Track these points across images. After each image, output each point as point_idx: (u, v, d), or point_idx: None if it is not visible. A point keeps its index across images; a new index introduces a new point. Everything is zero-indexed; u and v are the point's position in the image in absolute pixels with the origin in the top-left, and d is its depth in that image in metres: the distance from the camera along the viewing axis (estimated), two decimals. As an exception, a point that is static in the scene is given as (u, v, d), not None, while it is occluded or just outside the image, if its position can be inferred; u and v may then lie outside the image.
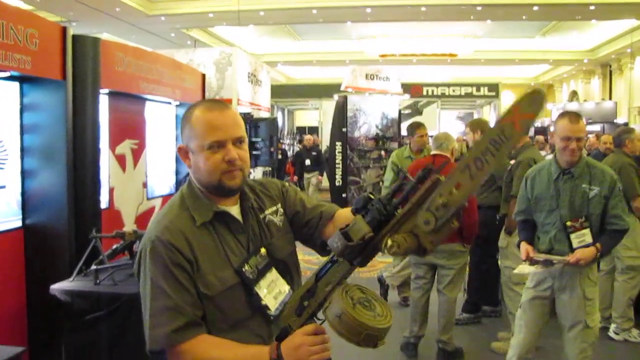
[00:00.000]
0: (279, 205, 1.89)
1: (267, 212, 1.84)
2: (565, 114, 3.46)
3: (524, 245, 3.68)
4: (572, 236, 3.41)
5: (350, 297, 1.50)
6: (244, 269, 1.69)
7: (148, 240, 1.67)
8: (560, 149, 3.41)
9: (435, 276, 4.84)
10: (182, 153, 1.75)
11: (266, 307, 1.70)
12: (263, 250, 1.76)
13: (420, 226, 1.42)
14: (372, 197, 1.52)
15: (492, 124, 8.28)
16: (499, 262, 5.16)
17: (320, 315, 1.57)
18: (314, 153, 13.89)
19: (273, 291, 1.73)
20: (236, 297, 1.68)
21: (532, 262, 3.54)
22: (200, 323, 1.64)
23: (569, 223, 3.41)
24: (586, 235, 3.39)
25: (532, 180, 3.64)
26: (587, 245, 3.37)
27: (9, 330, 4.12)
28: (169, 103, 6.25)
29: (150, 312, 1.62)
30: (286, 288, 1.78)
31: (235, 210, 1.76)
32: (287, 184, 2.01)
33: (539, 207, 3.58)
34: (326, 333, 1.57)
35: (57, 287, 3.78)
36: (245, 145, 1.74)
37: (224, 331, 1.66)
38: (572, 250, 3.40)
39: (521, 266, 3.66)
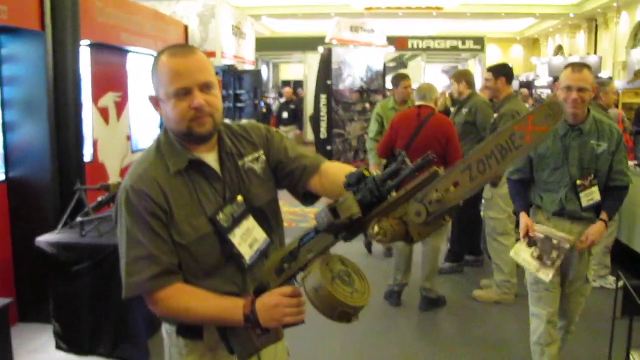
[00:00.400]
0: (262, 152, 1.83)
1: (246, 159, 1.79)
2: (569, 65, 3.31)
3: (523, 218, 3.42)
4: (582, 195, 3.27)
5: (330, 269, 1.49)
6: (218, 217, 1.66)
7: (123, 189, 1.65)
8: (563, 101, 3.23)
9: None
10: (154, 102, 1.70)
11: (240, 256, 1.69)
12: (240, 198, 1.72)
13: (410, 216, 1.38)
14: (366, 174, 1.46)
15: (476, 77, 8.20)
16: (482, 213, 5.23)
17: (299, 279, 1.55)
18: (292, 106, 13.65)
19: (248, 240, 1.71)
20: (210, 246, 1.66)
21: (530, 242, 3.36)
22: (176, 271, 1.64)
23: (579, 182, 3.26)
24: (595, 193, 3.27)
25: None
26: (596, 204, 3.26)
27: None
28: (152, 55, 6.17)
29: (126, 260, 1.63)
30: (263, 237, 1.76)
31: (211, 158, 1.73)
32: (272, 129, 1.93)
33: (542, 165, 3.35)
34: (303, 297, 1.56)
35: (42, 240, 3.78)
36: (215, 91, 1.67)
37: (199, 279, 1.66)
38: (582, 209, 3.27)
39: (518, 248, 3.45)
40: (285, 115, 13.24)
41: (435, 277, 4.85)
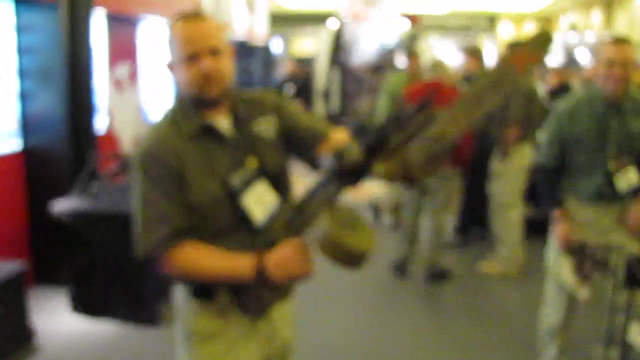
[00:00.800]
0: (273, 118, 1.86)
1: (259, 124, 1.83)
2: (611, 39, 3.05)
3: (561, 221, 3.07)
4: (619, 177, 3.02)
5: (336, 218, 1.54)
6: (230, 180, 1.71)
7: (137, 152, 1.72)
8: (604, 78, 2.98)
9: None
10: (170, 69, 1.77)
11: (251, 219, 1.73)
12: (252, 162, 1.77)
13: (411, 157, 1.44)
14: (368, 124, 1.53)
15: (489, 55, 8.25)
16: (488, 186, 5.23)
17: (309, 230, 1.59)
18: (296, 82, 13.12)
19: (260, 203, 1.75)
20: (222, 208, 1.71)
21: (568, 250, 3.01)
22: (188, 231, 1.69)
23: (615, 163, 3.01)
24: (632, 175, 3.03)
25: (569, 117, 3.07)
26: (637, 189, 3.02)
27: (13, 248, 4.26)
28: (164, 24, 6.20)
29: (140, 220, 1.69)
30: (274, 200, 1.79)
31: (224, 122, 1.77)
32: (282, 96, 1.97)
33: (579, 147, 3.05)
34: (310, 249, 1.61)
35: (57, 207, 3.87)
36: (225, 57, 1.72)
37: (209, 241, 1.71)
38: (619, 191, 3.02)
39: (557, 260, 3.08)
40: (291, 91, 12.85)
41: (440, 251, 4.91)
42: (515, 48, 1.36)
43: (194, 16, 1.72)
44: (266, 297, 1.76)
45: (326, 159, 1.53)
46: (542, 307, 3.34)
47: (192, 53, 1.66)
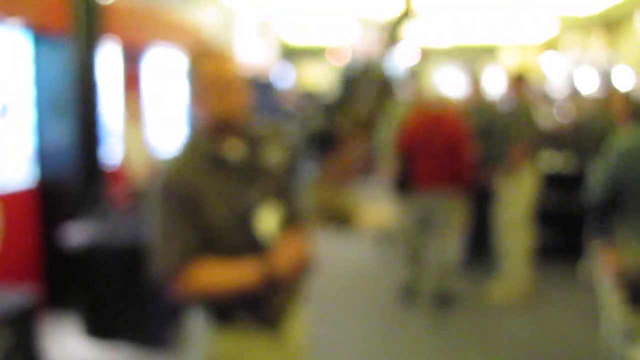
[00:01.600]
0: (282, 147, 1.98)
1: (269, 153, 1.94)
2: None
3: (612, 254, 2.83)
4: None
5: (322, 190, 1.68)
6: (243, 204, 1.83)
7: (154, 181, 1.86)
8: None
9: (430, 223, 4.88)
10: (188, 99, 1.91)
11: (261, 242, 1.84)
12: (264, 187, 1.88)
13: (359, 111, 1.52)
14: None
15: (493, 83, 8.43)
16: (493, 207, 5.24)
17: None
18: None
19: (269, 226, 1.86)
20: (234, 231, 1.82)
21: (619, 283, 2.78)
22: (201, 253, 1.79)
23: None
24: None
25: (626, 156, 2.77)
26: None
27: (25, 282, 4.30)
28: (174, 59, 6.34)
29: (158, 248, 1.80)
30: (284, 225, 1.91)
31: (238, 151, 1.87)
32: (298, 155, 2.16)
33: (637, 189, 2.75)
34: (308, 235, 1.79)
35: (70, 237, 3.98)
36: (244, 92, 1.86)
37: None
38: None
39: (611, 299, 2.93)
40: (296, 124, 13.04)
41: (446, 276, 4.90)
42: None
43: (218, 53, 1.86)
44: (279, 301, 1.86)
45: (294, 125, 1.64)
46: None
47: (215, 87, 1.80)
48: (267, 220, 1.86)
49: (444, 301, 4.86)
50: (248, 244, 1.83)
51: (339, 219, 1.65)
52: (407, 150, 4.81)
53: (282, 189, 1.93)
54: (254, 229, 1.83)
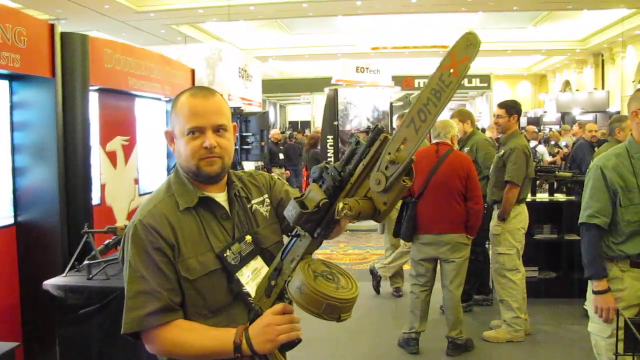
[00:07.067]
0: (266, 195, 1.90)
1: (254, 201, 1.86)
2: None
3: (607, 296, 2.87)
4: None
5: (312, 270, 1.51)
6: (225, 254, 1.70)
7: (131, 224, 1.70)
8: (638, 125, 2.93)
9: (438, 271, 4.79)
10: (168, 137, 1.79)
11: (247, 294, 1.70)
12: (248, 237, 1.76)
13: (372, 187, 1.44)
14: (327, 166, 1.52)
15: (485, 114, 8.53)
16: (490, 249, 5.19)
17: (286, 287, 1.58)
18: (281, 147, 13.22)
19: (256, 279, 1.73)
20: (217, 283, 1.69)
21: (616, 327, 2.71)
22: (176, 309, 1.66)
23: None
24: None
25: (614, 169, 2.90)
26: None
27: (3, 326, 4.16)
28: (159, 99, 6.27)
29: (127, 295, 1.65)
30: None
31: (221, 197, 1.78)
32: (275, 176, 2.03)
33: (628, 200, 2.86)
34: (295, 315, 1.59)
35: (50, 283, 3.81)
36: (228, 134, 1.74)
37: (205, 317, 1.69)
38: None
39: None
40: (281, 156, 12.86)
41: (460, 324, 4.71)
42: (446, 55, 1.38)
43: (204, 91, 1.75)
44: None
45: (288, 208, 1.51)
46: None
47: (196, 127, 1.68)
48: (254, 275, 1.75)
49: (460, 347, 4.70)
50: (233, 298, 1.71)
51: (327, 311, 1.50)
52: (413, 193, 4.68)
53: (270, 242, 1.84)
54: (239, 282, 1.71)
